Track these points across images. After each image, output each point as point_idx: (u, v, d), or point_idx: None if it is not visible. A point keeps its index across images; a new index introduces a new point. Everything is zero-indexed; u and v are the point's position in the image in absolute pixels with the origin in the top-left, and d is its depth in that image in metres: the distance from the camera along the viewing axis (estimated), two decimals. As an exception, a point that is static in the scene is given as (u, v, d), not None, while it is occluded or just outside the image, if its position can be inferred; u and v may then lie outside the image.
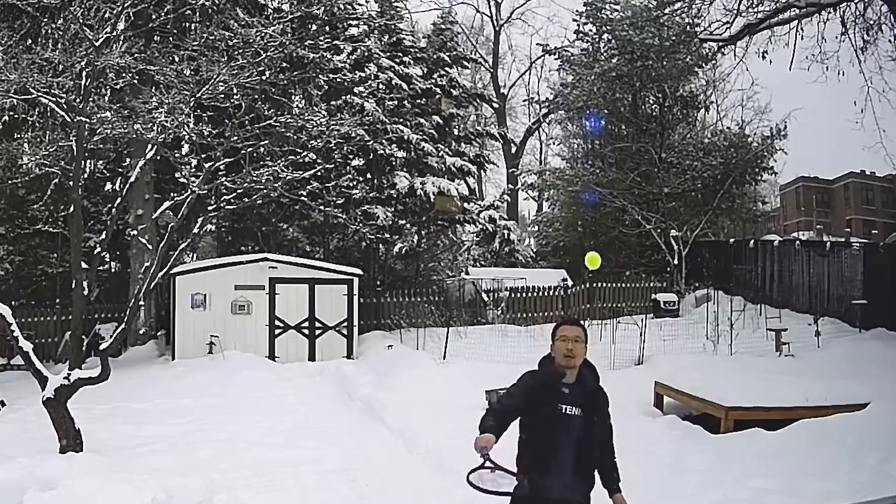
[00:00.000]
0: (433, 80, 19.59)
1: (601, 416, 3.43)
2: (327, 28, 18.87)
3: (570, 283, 18.25)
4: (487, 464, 3.00)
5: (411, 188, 17.78)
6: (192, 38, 11.38)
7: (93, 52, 7.97)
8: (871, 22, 13.89)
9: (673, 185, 20.33)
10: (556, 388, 3.32)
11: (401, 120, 18.31)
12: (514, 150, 31.64)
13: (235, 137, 10.10)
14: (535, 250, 26.21)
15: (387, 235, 17.94)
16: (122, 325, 8.22)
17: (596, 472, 3.40)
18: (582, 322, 3.60)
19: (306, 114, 14.86)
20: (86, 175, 13.86)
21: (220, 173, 10.94)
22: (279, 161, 12.50)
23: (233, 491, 5.47)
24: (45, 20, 11.46)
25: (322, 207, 16.72)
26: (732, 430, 7.45)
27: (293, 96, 17.15)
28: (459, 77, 22.24)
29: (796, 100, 34.73)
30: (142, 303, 8.52)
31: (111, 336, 8.57)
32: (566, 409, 3.28)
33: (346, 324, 14.24)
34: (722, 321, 12.09)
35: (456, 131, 21.04)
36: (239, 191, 10.70)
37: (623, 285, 18.28)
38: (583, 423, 3.29)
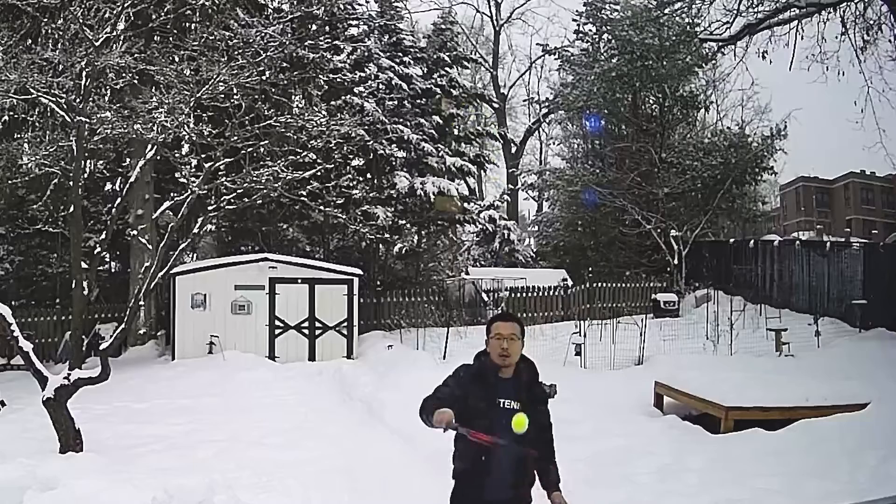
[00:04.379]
0: (433, 80, 19.59)
1: (539, 412, 3.26)
2: (327, 28, 18.86)
3: (570, 283, 18.26)
4: (462, 430, 2.97)
5: (411, 188, 17.78)
6: (192, 38, 11.37)
7: (93, 52, 7.98)
8: (871, 22, 13.94)
9: (673, 185, 20.32)
10: (491, 380, 3.21)
11: (401, 120, 18.31)
12: (514, 150, 31.67)
13: (235, 137, 10.09)
14: (535, 250, 26.22)
15: (387, 235, 17.94)
16: (122, 325, 8.21)
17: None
18: (518, 316, 3.49)
19: (306, 114, 14.85)
20: (86, 175, 13.83)
21: (220, 173, 10.94)
22: (279, 161, 12.50)
23: (233, 491, 5.46)
24: (45, 20, 11.45)
25: (322, 207, 16.71)
26: (732, 430, 7.44)
27: (293, 96, 17.13)
28: (459, 77, 22.27)
29: (796, 100, 34.82)
30: (142, 303, 8.51)
31: (111, 336, 8.56)
32: (503, 402, 3.15)
33: (346, 324, 14.23)
34: (722, 321, 12.09)
35: (456, 131, 21.05)
36: (239, 191, 10.70)
37: (623, 285, 18.27)
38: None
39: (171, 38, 12.19)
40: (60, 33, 10.70)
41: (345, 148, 16.11)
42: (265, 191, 11.18)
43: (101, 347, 8.13)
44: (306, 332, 14.11)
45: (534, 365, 3.34)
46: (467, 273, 19.61)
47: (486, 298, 17.55)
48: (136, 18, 11.17)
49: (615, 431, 7.69)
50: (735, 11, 14.55)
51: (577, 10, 27.58)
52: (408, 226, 19.18)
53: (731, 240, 20.81)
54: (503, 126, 29.71)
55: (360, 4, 20.27)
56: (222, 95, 10.50)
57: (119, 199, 10.15)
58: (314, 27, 18.25)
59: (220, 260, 15.60)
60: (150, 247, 11.91)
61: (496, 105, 29.32)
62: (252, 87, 11.21)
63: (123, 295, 15.17)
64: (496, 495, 3.15)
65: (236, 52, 11.96)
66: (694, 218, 19.35)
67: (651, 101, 22.20)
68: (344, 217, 16.68)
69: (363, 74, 18.34)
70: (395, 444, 7.83)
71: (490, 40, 34.74)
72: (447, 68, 20.21)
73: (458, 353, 12.52)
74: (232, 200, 10.58)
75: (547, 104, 29.69)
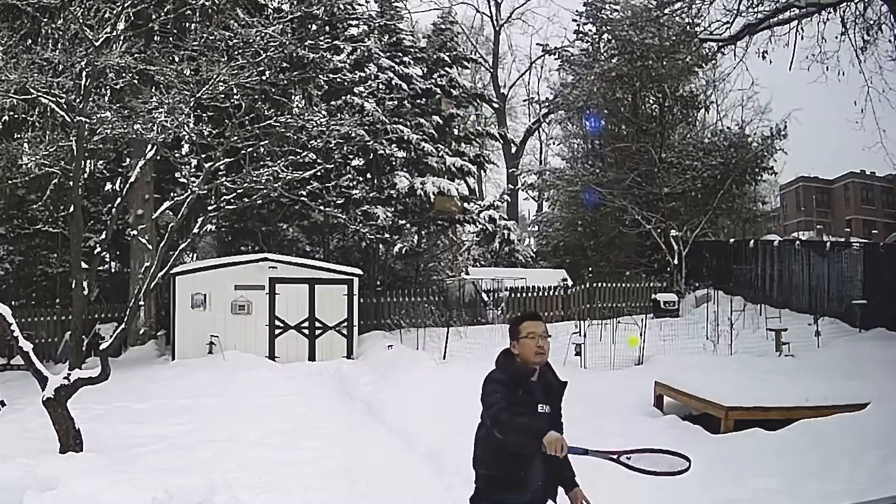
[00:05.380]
0: (433, 80, 19.59)
1: (560, 412, 3.33)
2: (327, 28, 18.86)
3: (570, 283, 18.26)
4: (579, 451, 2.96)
5: (411, 188, 17.78)
6: (192, 38, 11.37)
7: (93, 52, 7.98)
8: (871, 22, 13.92)
9: (673, 185, 20.32)
10: (528, 385, 3.21)
11: (401, 120, 18.31)
12: (514, 150, 31.68)
13: (235, 137, 10.10)
14: (535, 250, 26.23)
15: (387, 235, 17.94)
16: (122, 325, 8.22)
17: None
18: (542, 315, 3.50)
19: (306, 114, 14.84)
20: (86, 175, 13.84)
21: (220, 173, 10.95)
22: (279, 161, 12.50)
23: (233, 491, 5.46)
24: (45, 20, 11.45)
25: (322, 207, 16.71)
26: (732, 430, 7.43)
27: (293, 96, 17.15)
28: (459, 77, 22.25)
29: (796, 100, 34.81)
30: (142, 303, 8.52)
31: (111, 336, 8.57)
32: (541, 407, 3.19)
33: (346, 324, 14.23)
34: (722, 321, 12.07)
35: (456, 131, 21.05)
36: (239, 191, 10.70)
37: (623, 285, 18.28)
38: (551, 420, 3.20)
39: (171, 38, 12.21)
40: (60, 33, 10.69)
41: (345, 148, 16.11)
42: (265, 191, 11.18)
43: (101, 347, 8.14)
44: (306, 332, 14.11)
45: (552, 366, 3.38)
46: (467, 273, 19.62)
47: (486, 298, 17.55)
48: (136, 18, 11.17)
49: (615, 431, 7.67)
50: (735, 11, 14.53)
51: (577, 10, 27.59)
52: (408, 226, 19.19)
53: (731, 240, 20.79)
54: (503, 126, 29.71)
55: (360, 4, 20.27)
56: (222, 95, 10.51)
57: (119, 199, 10.16)
58: (314, 27, 18.25)
59: (220, 260, 15.60)
60: (150, 247, 11.91)
61: (496, 105, 29.31)
62: (252, 87, 11.22)
63: (123, 295, 15.17)
64: (528, 498, 3.17)
65: (236, 52, 11.97)
66: (694, 218, 19.36)
67: (651, 101, 22.21)
68: (344, 217, 16.68)
69: (363, 74, 18.33)
70: (395, 444, 7.84)
71: (490, 40, 34.80)
72: (447, 68, 20.20)
73: (458, 353, 12.55)
74: (232, 200, 10.59)
75: (547, 104, 29.69)
